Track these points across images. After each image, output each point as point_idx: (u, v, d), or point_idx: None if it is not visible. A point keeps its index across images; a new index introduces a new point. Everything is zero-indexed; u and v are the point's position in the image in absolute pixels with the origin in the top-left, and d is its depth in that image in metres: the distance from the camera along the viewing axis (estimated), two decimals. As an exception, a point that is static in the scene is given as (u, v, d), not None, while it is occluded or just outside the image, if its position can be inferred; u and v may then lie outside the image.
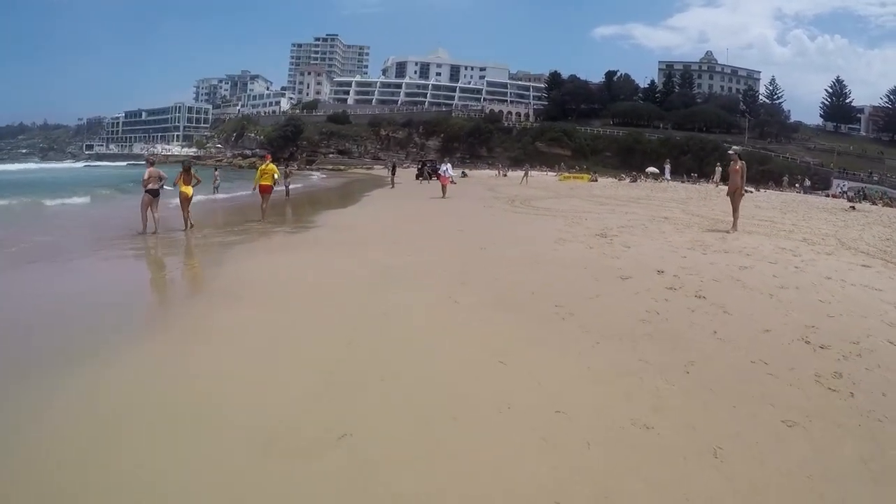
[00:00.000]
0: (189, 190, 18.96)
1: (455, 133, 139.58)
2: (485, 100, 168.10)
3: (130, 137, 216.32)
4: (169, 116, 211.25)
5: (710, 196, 38.25)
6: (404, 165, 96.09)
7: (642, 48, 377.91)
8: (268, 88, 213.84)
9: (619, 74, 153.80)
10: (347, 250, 14.75)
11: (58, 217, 24.35)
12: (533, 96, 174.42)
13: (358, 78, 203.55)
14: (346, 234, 18.07)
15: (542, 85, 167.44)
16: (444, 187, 36.11)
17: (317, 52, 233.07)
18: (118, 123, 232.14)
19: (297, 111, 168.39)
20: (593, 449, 4.61)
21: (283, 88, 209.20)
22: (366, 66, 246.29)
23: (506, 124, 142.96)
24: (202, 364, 6.55)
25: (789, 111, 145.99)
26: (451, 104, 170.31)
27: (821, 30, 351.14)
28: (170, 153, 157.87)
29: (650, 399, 5.51)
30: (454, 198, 34.65)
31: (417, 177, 69.56)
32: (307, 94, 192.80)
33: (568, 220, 21.54)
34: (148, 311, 9.79)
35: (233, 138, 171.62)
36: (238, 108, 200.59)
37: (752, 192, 36.86)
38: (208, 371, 6.33)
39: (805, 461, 4.48)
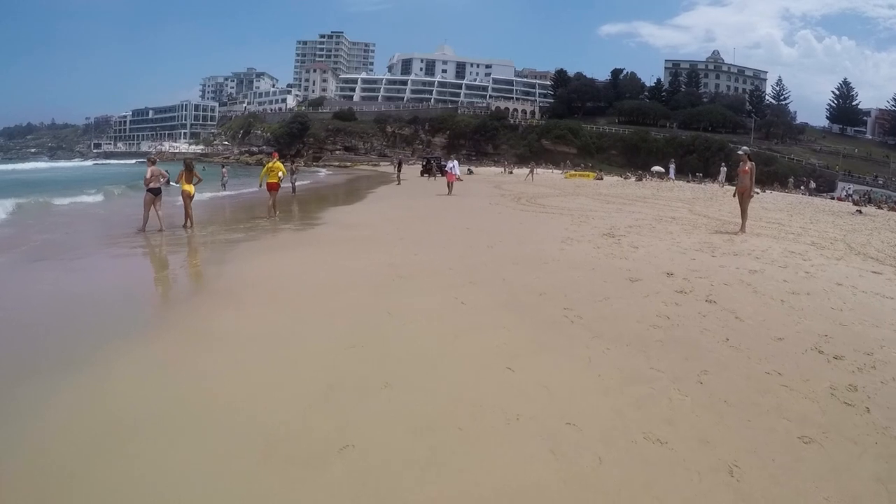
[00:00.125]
0: (191, 188, 19.02)
1: (461, 130, 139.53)
2: (491, 97, 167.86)
3: (138, 136, 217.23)
4: (176, 114, 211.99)
5: (716, 196, 38.06)
6: (410, 162, 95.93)
7: (648, 47, 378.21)
8: (274, 86, 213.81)
9: (625, 73, 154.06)
10: (353, 248, 14.62)
11: (68, 215, 24.31)
12: (539, 94, 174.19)
13: (364, 75, 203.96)
14: (351, 232, 17.92)
15: (548, 82, 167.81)
16: (450, 184, 35.88)
17: (322, 50, 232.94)
18: (126, 122, 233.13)
19: (303, 108, 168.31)
20: (605, 464, 4.44)
21: (289, 86, 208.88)
22: (371, 64, 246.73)
23: (511, 121, 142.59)
24: (204, 368, 6.43)
25: (795, 112, 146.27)
26: (457, 101, 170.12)
27: (828, 31, 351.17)
28: (177, 151, 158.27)
29: (663, 411, 5.35)
30: (460, 195, 34.48)
31: (422, 173, 69.64)
32: (313, 92, 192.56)
33: (575, 218, 21.44)
34: (150, 311, 9.62)
35: (239, 135, 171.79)
36: (244, 105, 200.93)
37: (758, 192, 36.66)
38: (209, 375, 6.20)
39: (822, 480, 4.31)
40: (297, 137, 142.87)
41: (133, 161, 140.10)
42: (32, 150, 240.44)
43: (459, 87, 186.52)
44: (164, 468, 4.42)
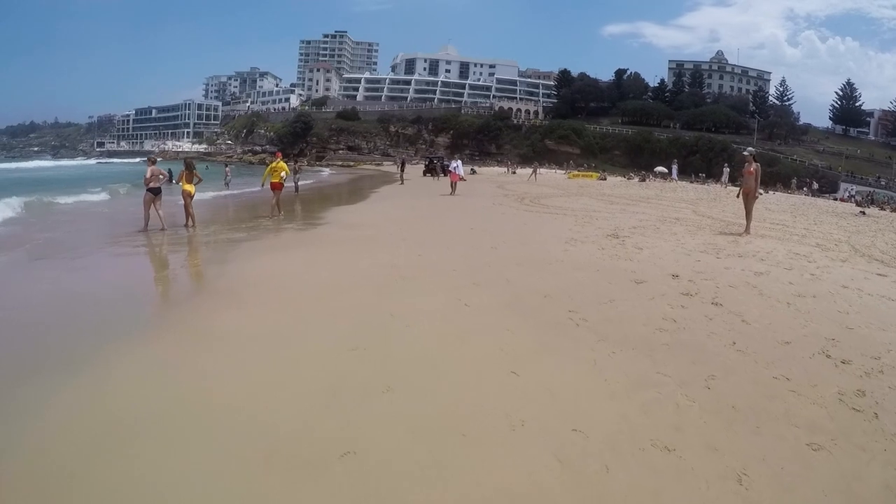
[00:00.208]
0: (191, 188, 18.99)
1: (464, 130, 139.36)
2: (494, 97, 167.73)
3: (141, 135, 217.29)
4: (179, 114, 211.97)
5: (719, 197, 37.99)
6: (413, 162, 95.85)
7: (652, 47, 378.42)
8: (277, 85, 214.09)
9: (628, 73, 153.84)
10: (356, 249, 14.54)
11: (71, 213, 24.34)
12: (542, 94, 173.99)
13: (367, 75, 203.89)
14: (354, 232, 17.86)
15: (552, 82, 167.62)
16: (453, 184, 35.77)
17: (326, 49, 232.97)
18: (129, 121, 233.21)
19: (307, 108, 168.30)
20: (612, 472, 4.35)
21: (293, 85, 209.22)
22: (375, 63, 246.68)
23: (515, 121, 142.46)
24: (204, 368, 6.37)
25: (799, 113, 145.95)
26: (461, 101, 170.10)
27: (832, 31, 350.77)
28: (180, 150, 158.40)
29: (670, 417, 5.26)
30: (464, 195, 34.34)
31: (425, 173, 69.83)
32: (316, 91, 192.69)
33: (578, 219, 21.37)
34: (150, 311, 9.57)
35: (243, 135, 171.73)
36: (248, 104, 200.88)
37: (761, 193, 36.58)
38: (210, 376, 6.14)
39: (831, 489, 4.24)
40: (300, 137, 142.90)
41: (137, 160, 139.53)
42: (35, 149, 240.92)
43: (463, 86, 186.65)
44: (163, 471, 4.37)
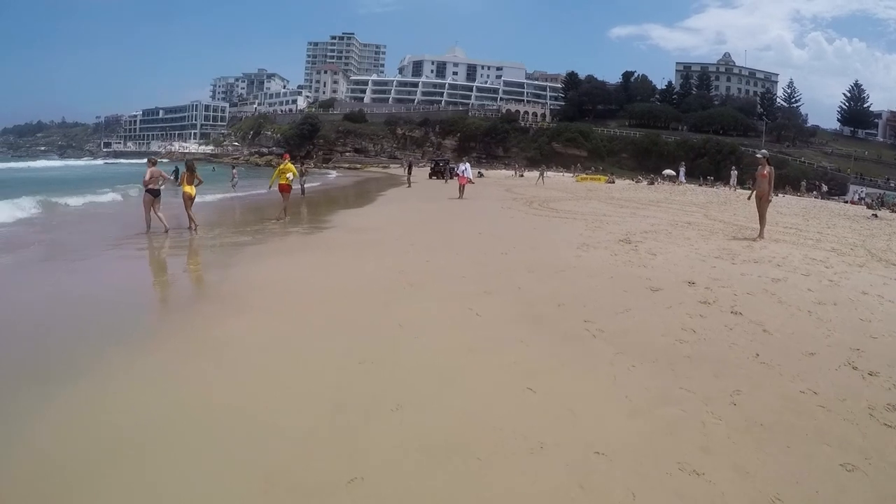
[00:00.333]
0: (192, 189, 18.77)
1: (471, 133, 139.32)
2: (501, 99, 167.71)
3: (148, 135, 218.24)
4: (186, 115, 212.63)
5: (729, 201, 37.81)
6: (420, 165, 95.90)
7: (659, 49, 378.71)
8: (284, 87, 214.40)
9: (636, 75, 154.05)
10: (362, 254, 14.34)
11: (79, 214, 24.37)
12: (550, 96, 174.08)
13: (374, 77, 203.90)
14: (361, 236, 17.66)
15: (559, 85, 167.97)
16: (462, 187, 35.55)
17: (333, 51, 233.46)
18: (136, 121, 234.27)
19: (314, 109, 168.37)
20: (639, 500, 4.05)
21: (300, 87, 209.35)
22: (382, 65, 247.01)
23: (522, 124, 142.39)
24: (203, 382, 6.10)
25: (807, 115, 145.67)
26: (468, 103, 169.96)
27: (839, 32, 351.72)
28: (186, 151, 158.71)
29: (697, 436, 4.97)
30: (471, 198, 34.19)
31: (431, 175, 70.02)
32: (324, 93, 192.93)
33: (589, 223, 21.09)
34: (150, 318, 9.29)
35: (249, 136, 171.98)
36: (255, 106, 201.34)
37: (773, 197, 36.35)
38: (210, 392, 5.86)
39: (868, 514, 3.96)
40: (307, 139, 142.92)
41: (143, 161, 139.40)
42: (42, 148, 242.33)
43: (470, 89, 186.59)
44: (158, 491, 4.16)
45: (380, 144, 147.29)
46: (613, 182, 71.26)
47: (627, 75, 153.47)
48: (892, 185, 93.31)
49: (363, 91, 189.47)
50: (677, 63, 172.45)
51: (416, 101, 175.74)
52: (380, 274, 11.68)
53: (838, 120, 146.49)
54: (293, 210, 23.55)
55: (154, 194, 17.89)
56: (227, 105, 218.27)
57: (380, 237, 17.52)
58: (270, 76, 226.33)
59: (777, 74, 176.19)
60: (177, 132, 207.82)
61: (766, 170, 17.60)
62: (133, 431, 5.02)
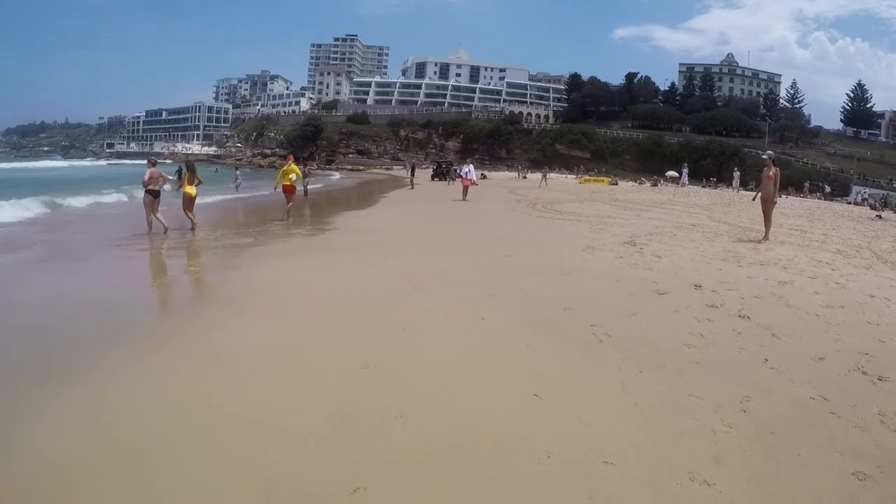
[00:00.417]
0: (192, 190, 18.79)
1: (474, 134, 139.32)
2: (504, 101, 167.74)
3: (151, 136, 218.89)
4: (189, 116, 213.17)
5: (733, 202, 37.73)
6: (424, 166, 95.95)
7: (662, 50, 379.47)
8: (287, 88, 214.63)
9: (639, 76, 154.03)
10: (365, 256, 14.22)
11: (84, 215, 24.27)
12: (553, 98, 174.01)
13: (377, 78, 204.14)
14: (364, 238, 17.58)
15: (562, 86, 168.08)
16: (465, 189, 35.51)
17: (336, 53, 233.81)
18: (139, 122, 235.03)
19: (317, 111, 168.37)
20: (650, 512, 3.97)
21: (303, 88, 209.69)
22: (385, 67, 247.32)
23: (525, 126, 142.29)
24: (203, 389, 5.97)
25: (810, 115, 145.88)
26: (471, 105, 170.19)
27: (842, 32, 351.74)
28: (189, 152, 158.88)
29: (707, 445, 4.87)
30: (475, 200, 34.13)
31: (433, 177, 70.17)
32: (327, 95, 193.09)
33: (593, 225, 21.02)
34: (150, 322, 9.15)
35: (252, 138, 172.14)
36: (258, 107, 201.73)
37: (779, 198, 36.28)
38: (209, 397, 5.73)
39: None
40: (310, 140, 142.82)
41: (147, 161, 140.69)
42: (45, 149, 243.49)
43: (473, 90, 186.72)
44: (158, 492, 4.14)
45: (383, 146, 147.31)
46: (617, 184, 71.19)
47: (630, 76, 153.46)
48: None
49: (366, 93, 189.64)
50: (680, 64, 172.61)
51: (419, 103, 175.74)
52: (383, 276, 11.58)
53: (841, 120, 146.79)
54: (296, 212, 23.47)
55: (154, 195, 17.85)
56: (230, 106, 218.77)
57: (383, 239, 17.45)
58: (273, 78, 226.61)
59: (780, 75, 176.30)
60: (180, 133, 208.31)
61: (772, 171, 17.46)
62: (133, 434, 4.95)
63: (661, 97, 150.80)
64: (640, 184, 75.45)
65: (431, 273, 12.03)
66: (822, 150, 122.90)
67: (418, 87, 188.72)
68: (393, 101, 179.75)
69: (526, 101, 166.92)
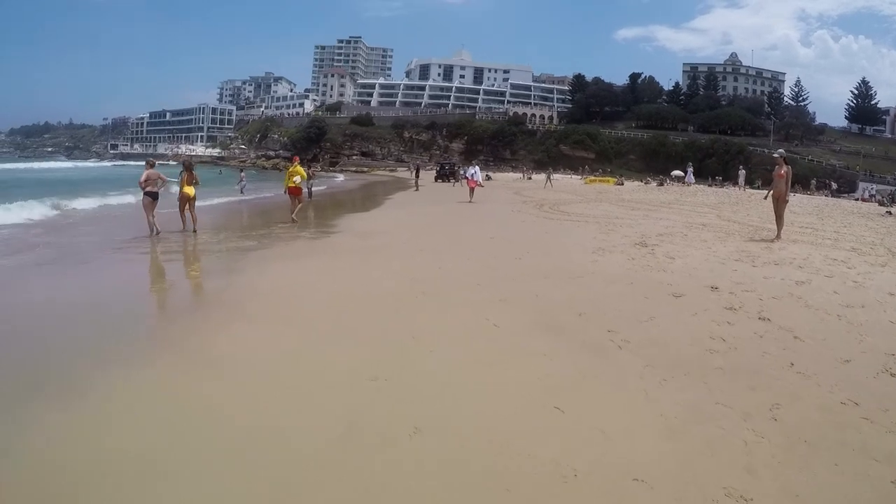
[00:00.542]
0: (191, 190, 18.70)
1: (479, 135, 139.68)
2: (508, 102, 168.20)
3: (155, 137, 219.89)
4: (193, 117, 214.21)
5: (741, 201, 37.55)
6: (428, 168, 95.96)
7: (665, 50, 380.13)
8: (291, 90, 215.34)
9: (643, 77, 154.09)
10: (371, 260, 14.02)
11: (88, 217, 24.26)
12: (557, 99, 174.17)
13: (381, 80, 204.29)
14: (369, 241, 17.36)
15: (566, 87, 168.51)
16: (471, 191, 35.29)
17: (340, 54, 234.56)
18: (143, 124, 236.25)
19: (321, 113, 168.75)
20: (687, 535, 3.72)
21: (307, 90, 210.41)
22: (389, 69, 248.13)
23: (529, 127, 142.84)
24: (203, 402, 5.65)
25: (814, 113, 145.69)
26: (475, 106, 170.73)
27: (844, 30, 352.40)
28: (193, 153, 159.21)
29: (739, 457, 4.60)
30: (481, 202, 33.95)
31: (436, 178, 70.33)
32: (330, 96, 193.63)
33: (602, 226, 20.80)
34: (150, 330, 8.77)
35: (256, 139, 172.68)
36: (262, 109, 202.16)
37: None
38: (209, 411, 5.44)
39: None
40: (314, 142, 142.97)
41: (145, 163, 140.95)
42: (49, 149, 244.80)
43: (477, 92, 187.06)
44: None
45: (387, 148, 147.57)
46: (622, 184, 70.97)
47: (634, 77, 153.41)
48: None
49: (370, 94, 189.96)
50: (684, 64, 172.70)
51: (423, 105, 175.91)
52: (390, 282, 11.30)
53: (846, 117, 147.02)
54: (300, 214, 23.23)
55: (153, 197, 17.76)
56: (233, 108, 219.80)
57: (389, 242, 17.28)
58: (277, 79, 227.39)
59: (784, 73, 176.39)
60: (184, 135, 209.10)
61: (784, 169, 17.22)
62: (135, 443, 4.75)
63: (665, 97, 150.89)
64: (645, 183, 75.34)
65: (439, 277, 11.79)
66: (827, 147, 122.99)
67: (422, 88, 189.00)
68: (397, 103, 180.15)
69: (530, 103, 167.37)
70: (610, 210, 29.16)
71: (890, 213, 34.61)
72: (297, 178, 22.37)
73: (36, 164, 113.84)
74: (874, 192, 73.29)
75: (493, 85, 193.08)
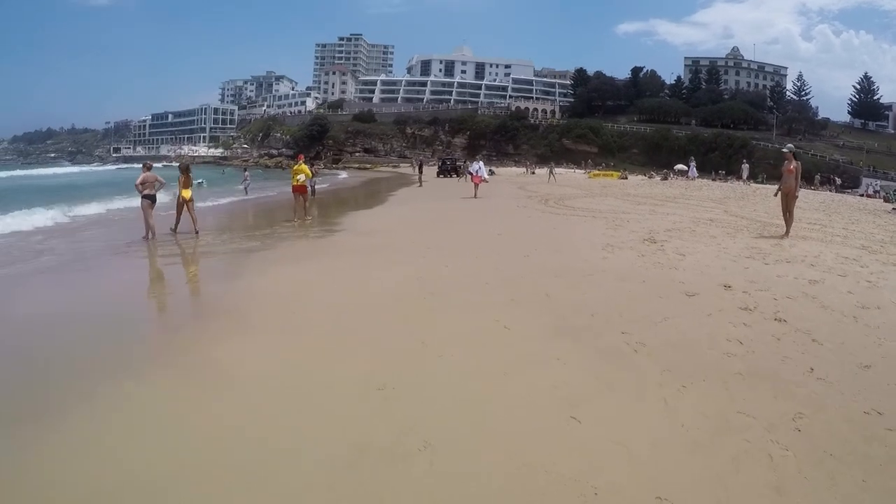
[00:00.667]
0: (188, 192, 18.67)
1: (481, 130, 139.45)
2: (510, 97, 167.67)
3: (157, 139, 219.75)
4: (195, 118, 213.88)
5: (746, 195, 37.34)
6: (430, 164, 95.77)
7: (666, 44, 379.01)
8: (293, 89, 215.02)
9: (645, 71, 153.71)
10: (376, 260, 13.78)
11: (91, 221, 24.07)
12: (559, 93, 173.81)
13: (383, 77, 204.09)
14: (373, 240, 17.18)
15: (568, 82, 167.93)
16: (476, 187, 34.94)
17: (341, 52, 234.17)
18: (145, 126, 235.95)
19: (323, 111, 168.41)
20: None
21: (309, 88, 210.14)
22: (390, 65, 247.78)
23: (532, 121, 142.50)
24: (201, 421, 5.39)
25: (817, 108, 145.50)
26: (477, 102, 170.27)
27: (846, 25, 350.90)
28: (196, 154, 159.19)
29: (765, 472, 4.41)
30: (485, 197, 33.62)
31: (438, 174, 70.37)
32: (332, 94, 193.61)
33: (609, 222, 20.57)
34: (145, 340, 8.39)
35: (259, 138, 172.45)
36: (264, 108, 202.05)
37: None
38: (208, 431, 5.18)
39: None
40: (316, 140, 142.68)
41: (157, 165, 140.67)
42: (52, 155, 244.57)
43: (479, 87, 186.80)
44: None
45: (389, 144, 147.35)
46: (626, 178, 70.82)
47: (636, 71, 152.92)
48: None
49: (372, 91, 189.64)
50: (686, 58, 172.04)
51: (425, 101, 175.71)
52: (396, 283, 11.05)
53: (849, 112, 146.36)
54: (304, 213, 23.02)
55: (151, 200, 17.71)
56: (235, 108, 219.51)
57: (393, 240, 17.10)
58: (279, 78, 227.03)
59: (786, 68, 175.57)
60: (186, 136, 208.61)
61: (793, 165, 17.00)
62: (138, 464, 4.57)
63: (667, 91, 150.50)
64: (650, 178, 75.03)
65: (447, 277, 11.53)
66: (830, 141, 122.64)
67: (424, 84, 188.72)
68: (399, 100, 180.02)
69: (532, 97, 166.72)
70: (616, 204, 28.92)
71: (896, 209, 34.38)
72: (301, 177, 22.27)
73: (38, 171, 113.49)
74: (878, 188, 72.84)
75: (494, 80, 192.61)
